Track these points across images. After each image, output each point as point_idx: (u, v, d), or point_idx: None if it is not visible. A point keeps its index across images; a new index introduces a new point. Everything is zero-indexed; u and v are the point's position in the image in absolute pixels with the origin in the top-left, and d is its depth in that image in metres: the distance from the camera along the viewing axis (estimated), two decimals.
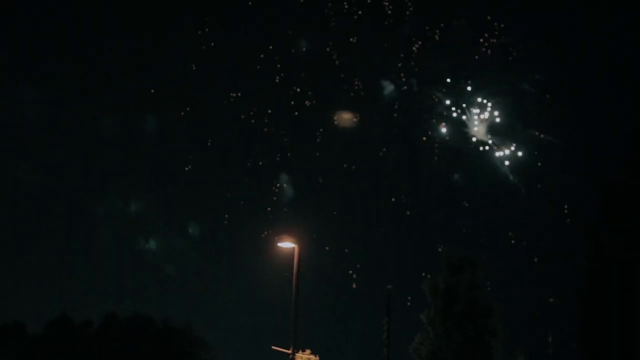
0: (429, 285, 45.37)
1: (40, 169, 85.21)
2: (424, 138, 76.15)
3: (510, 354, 44.64)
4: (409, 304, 56.19)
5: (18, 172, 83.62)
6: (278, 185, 78.27)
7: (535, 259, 73.37)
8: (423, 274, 56.43)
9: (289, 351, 36.80)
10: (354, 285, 73.81)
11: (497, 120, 75.01)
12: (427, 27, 76.12)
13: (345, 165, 78.53)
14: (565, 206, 71.62)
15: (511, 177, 74.75)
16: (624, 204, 40.18)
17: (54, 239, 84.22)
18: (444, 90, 75.67)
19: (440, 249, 52.84)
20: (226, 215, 79.23)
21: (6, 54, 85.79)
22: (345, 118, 77.93)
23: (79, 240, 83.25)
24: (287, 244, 37.85)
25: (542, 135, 73.88)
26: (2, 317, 59.40)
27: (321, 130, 78.21)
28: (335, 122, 77.85)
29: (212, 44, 79.19)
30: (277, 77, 77.58)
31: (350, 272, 73.71)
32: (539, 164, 75.85)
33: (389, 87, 77.92)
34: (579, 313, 41.28)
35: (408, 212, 76.76)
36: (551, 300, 53.41)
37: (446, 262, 45.72)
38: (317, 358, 43.71)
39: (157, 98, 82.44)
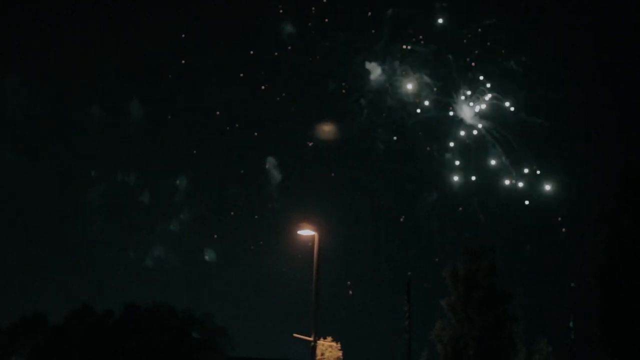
0: (449, 271, 45.42)
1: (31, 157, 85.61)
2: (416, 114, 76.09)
3: (532, 339, 44.69)
4: (427, 287, 56.33)
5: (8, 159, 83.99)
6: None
7: (555, 245, 73.38)
8: (437, 259, 56.60)
9: (311, 339, 36.79)
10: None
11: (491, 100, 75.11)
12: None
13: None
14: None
15: (531, 166, 74.72)
16: None
17: (68, 229, 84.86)
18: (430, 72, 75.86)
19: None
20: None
21: None
22: (326, 130, 78.19)
23: (95, 231, 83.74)
24: (307, 232, 37.75)
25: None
26: (23, 309, 59.78)
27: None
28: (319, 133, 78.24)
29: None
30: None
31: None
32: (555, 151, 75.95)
33: (375, 70, 78.01)
34: (600, 298, 41.20)
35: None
36: (572, 285, 53.25)
37: (466, 249, 45.77)
38: (339, 345, 43.75)
39: (143, 85, 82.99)
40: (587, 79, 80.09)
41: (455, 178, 76.70)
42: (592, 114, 79.10)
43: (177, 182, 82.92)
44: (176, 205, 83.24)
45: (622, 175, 41.68)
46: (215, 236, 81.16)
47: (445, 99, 76.35)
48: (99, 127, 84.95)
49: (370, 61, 77.66)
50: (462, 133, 76.17)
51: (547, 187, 75.16)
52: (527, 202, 75.63)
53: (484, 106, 75.88)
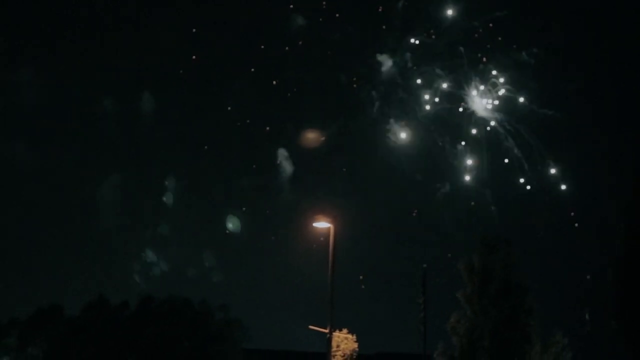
0: (465, 264, 45.43)
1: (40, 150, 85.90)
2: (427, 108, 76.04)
3: (547, 332, 44.62)
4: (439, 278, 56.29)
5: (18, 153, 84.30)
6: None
7: (570, 238, 73.22)
8: (449, 255, 56.50)
9: (326, 330, 36.85)
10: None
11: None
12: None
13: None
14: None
15: (544, 159, 74.54)
16: None
17: (80, 222, 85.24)
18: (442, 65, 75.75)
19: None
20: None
21: (3, 37, 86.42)
22: (310, 138, 78.25)
23: (108, 224, 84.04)
24: (322, 224, 37.74)
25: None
26: (40, 300, 60.03)
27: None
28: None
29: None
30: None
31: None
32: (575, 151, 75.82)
33: (387, 63, 77.91)
34: (616, 291, 41.08)
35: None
36: (588, 277, 53.12)
37: (482, 242, 45.76)
38: (354, 337, 43.78)
39: (153, 80, 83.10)
40: (600, 69, 79.75)
41: (468, 170, 76.65)
42: (605, 105, 78.90)
43: (181, 178, 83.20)
44: (185, 199, 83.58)
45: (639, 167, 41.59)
46: (227, 231, 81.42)
47: (457, 91, 76.25)
48: (110, 120, 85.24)
49: (381, 53, 77.63)
50: (474, 125, 76.06)
51: (562, 183, 75.03)
52: (540, 195, 75.51)
53: (496, 99, 75.74)
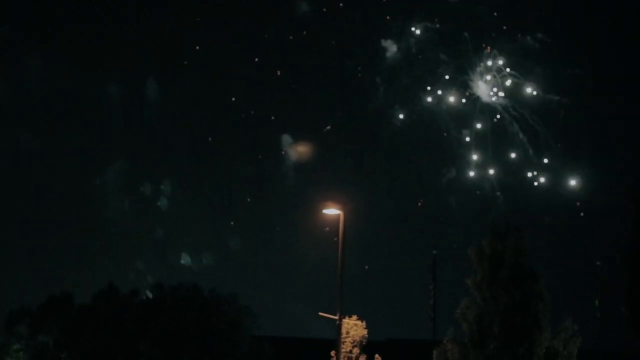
0: (475, 250, 45.37)
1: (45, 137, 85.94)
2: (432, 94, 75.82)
3: (557, 318, 44.59)
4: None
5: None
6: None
7: (581, 226, 73.17)
8: (455, 246, 56.39)
9: (336, 317, 36.96)
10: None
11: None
12: None
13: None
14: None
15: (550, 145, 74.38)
16: None
17: (87, 210, 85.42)
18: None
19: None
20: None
21: (7, 24, 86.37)
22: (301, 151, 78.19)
23: (115, 212, 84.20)
24: (331, 211, 37.78)
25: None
26: (50, 288, 60.28)
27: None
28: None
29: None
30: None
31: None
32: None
33: (391, 48, 77.74)
34: (626, 276, 41.00)
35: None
36: (598, 263, 53.02)
37: (492, 228, 45.69)
38: (364, 324, 43.85)
39: (158, 70, 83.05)
40: (604, 54, 79.49)
41: (474, 157, 76.55)
42: (610, 90, 78.67)
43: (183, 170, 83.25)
44: (188, 192, 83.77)
45: None
46: (232, 223, 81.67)
47: (462, 77, 76.10)
48: (115, 106, 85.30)
49: (385, 39, 77.50)
50: (479, 111, 75.95)
51: (569, 170, 74.92)
52: (547, 182, 75.39)
53: (501, 84, 75.59)
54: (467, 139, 76.58)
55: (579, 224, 75.72)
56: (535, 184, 75.20)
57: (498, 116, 75.80)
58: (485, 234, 46.18)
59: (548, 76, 75.61)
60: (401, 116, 77.73)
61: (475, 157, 76.29)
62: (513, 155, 75.83)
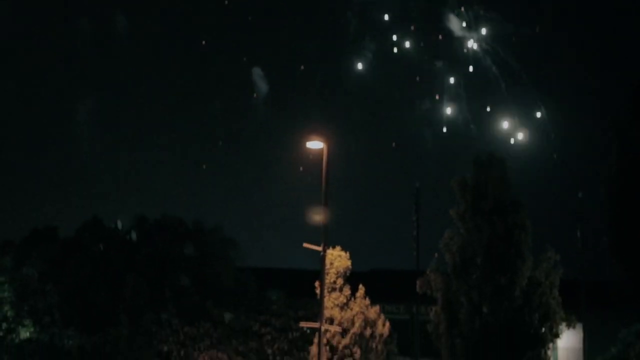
0: (458, 182, 45.47)
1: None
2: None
3: (539, 248, 44.95)
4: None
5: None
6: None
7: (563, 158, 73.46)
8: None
9: (320, 248, 37.13)
10: None
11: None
12: None
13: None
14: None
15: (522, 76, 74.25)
16: None
17: (65, 147, 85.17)
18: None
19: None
20: None
21: None
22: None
23: (92, 148, 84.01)
24: (315, 144, 37.71)
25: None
26: (35, 222, 60.30)
27: None
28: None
29: None
30: None
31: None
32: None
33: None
34: (609, 208, 41.35)
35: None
36: (580, 195, 53.36)
37: (475, 160, 45.76)
38: (347, 255, 44.11)
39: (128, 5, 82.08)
40: None
41: (445, 89, 76.39)
42: (589, 20, 78.31)
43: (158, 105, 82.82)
44: (159, 128, 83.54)
45: (634, 87, 41.52)
46: (204, 166, 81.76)
47: (432, 7, 75.52)
48: (84, 41, 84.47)
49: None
50: (451, 44, 75.62)
51: (544, 102, 74.94)
52: (523, 113, 75.45)
53: (472, 18, 75.10)
54: (439, 71, 76.37)
55: (562, 156, 75.95)
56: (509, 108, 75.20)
57: (466, 48, 75.41)
58: (469, 167, 46.31)
59: (519, 8, 75.43)
60: (373, 50, 77.20)
61: (445, 93, 76.12)
62: (486, 87, 75.76)
